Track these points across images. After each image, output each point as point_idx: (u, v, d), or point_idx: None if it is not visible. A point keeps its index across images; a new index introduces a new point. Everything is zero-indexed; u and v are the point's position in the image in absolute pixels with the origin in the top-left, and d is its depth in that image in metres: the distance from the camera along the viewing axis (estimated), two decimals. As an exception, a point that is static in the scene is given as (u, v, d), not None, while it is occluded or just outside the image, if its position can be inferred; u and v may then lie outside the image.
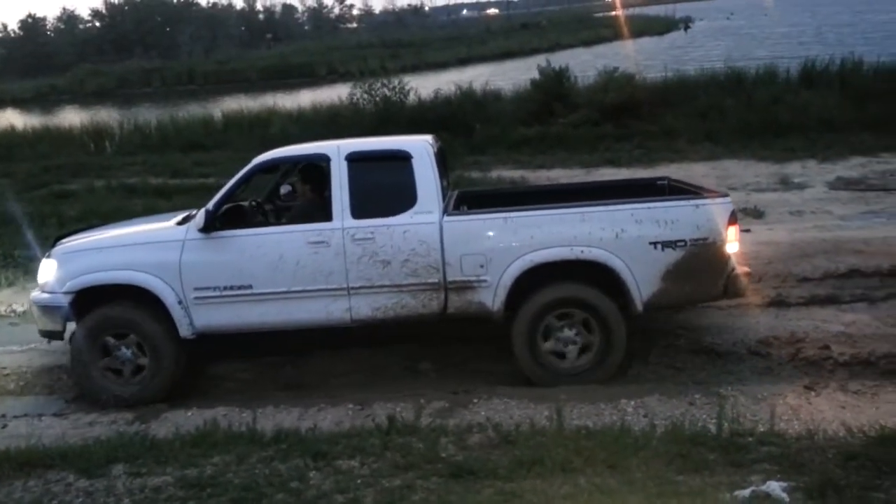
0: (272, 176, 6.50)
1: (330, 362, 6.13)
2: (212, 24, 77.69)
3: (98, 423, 5.25)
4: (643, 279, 5.26)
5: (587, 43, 50.29)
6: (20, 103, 43.57)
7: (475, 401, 5.10)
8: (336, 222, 5.41)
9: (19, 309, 7.69)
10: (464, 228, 5.38)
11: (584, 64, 22.60)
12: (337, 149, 5.61)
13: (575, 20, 71.09)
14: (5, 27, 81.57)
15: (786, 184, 10.68)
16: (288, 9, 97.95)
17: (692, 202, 5.40)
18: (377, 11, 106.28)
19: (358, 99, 17.04)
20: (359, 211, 5.41)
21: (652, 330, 5.98)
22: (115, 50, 68.07)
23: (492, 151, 13.99)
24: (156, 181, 13.56)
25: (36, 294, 5.85)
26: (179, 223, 5.75)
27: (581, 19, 73.11)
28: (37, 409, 5.73)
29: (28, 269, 8.76)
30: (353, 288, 5.39)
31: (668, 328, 6.11)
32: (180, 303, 5.45)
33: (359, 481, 3.89)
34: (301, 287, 5.40)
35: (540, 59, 17.43)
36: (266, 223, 5.89)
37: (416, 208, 5.41)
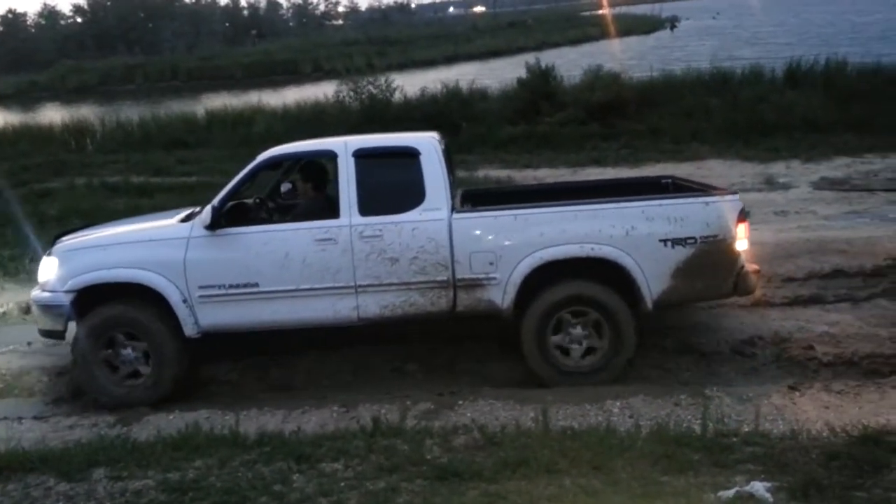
0: (274, 173, 6.41)
1: (316, 363, 6.08)
2: (195, 20, 77.16)
3: (79, 426, 5.19)
4: (653, 277, 5.25)
5: (574, 42, 50.44)
6: (0, 100, 43.07)
7: (461, 402, 5.08)
8: (344, 219, 5.36)
9: (-1, 310, 7.59)
10: (473, 226, 5.35)
11: (571, 63, 22.63)
12: (344, 145, 5.56)
13: (562, 19, 71.27)
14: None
15: (770, 184, 10.75)
16: (272, 5, 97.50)
17: (702, 199, 5.40)
18: (363, 8, 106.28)
19: (344, 97, 16.99)
20: (367, 208, 5.36)
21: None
22: (97, 46, 67.43)
23: (478, 150, 13.99)
24: (138, 179, 13.44)
25: (36, 293, 5.75)
26: (183, 220, 5.69)
27: (568, 18, 73.30)
28: (16, 412, 5.63)
29: (8, 270, 8.66)
30: (360, 286, 5.34)
31: (654, 329, 6.12)
32: (185, 301, 5.39)
33: (342, 484, 3.86)
34: (308, 285, 5.34)
35: (527, 58, 17.45)
36: (270, 220, 5.81)
37: (424, 205, 5.36)
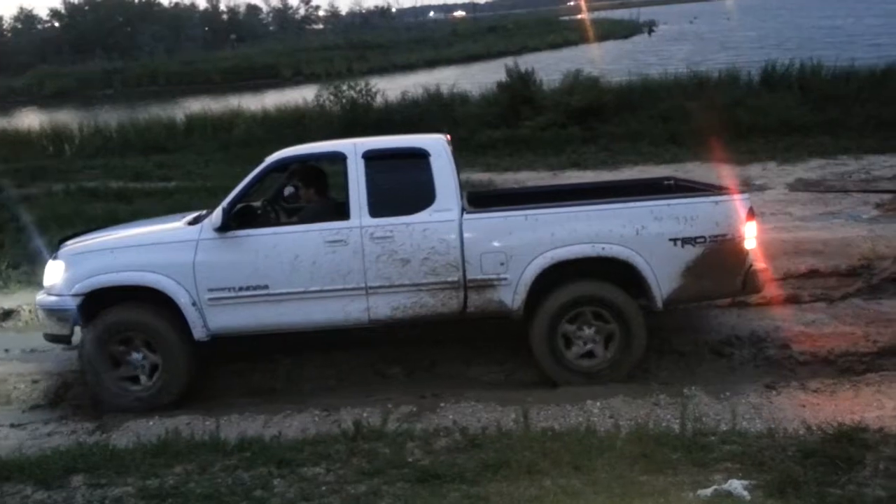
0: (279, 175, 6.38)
1: (297, 367, 6.06)
2: (174, 24, 76.64)
3: (57, 434, 5.14)
4: (663, 276, 5.28)
5: (553, 46, 50.70)
6: (-24, 105, 42.47)
7: (443, 404, 5.10)
8: (354, 221, 5.35)
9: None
10: (483, 226, 5.36)
11: (551, 67, 22.77)
12: (353, 147, 5.56)
13: (541, 23, 71.51)
14: (-40, 27, 79.60)
15: (747, 185, 10.86)
16: (252, 9, 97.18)
17: (711, 199, 5.44)
18: (343, 13, 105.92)
19: (324, 101, 16.96)
20: (377, 209, 5.36)
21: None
22: (74, 51, 66.67)
23: (459, 154, 13.88)
24: (116, 184, 13.32)
25: (42, 297, 5.69)
26: (191, 223, 5.66)
27: (547, 23, 73.58)
28: (-7, 419, 5.57)
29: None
30: (371, 287, 5.33)
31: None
32: (194, 304, 5.36)
33: (324, 488, 3.87)
34: (318, 287, 5.33)
35: (507, 62, 17.53)
36: (279, 223, 5.79)
37: (434, 206, 5.37)
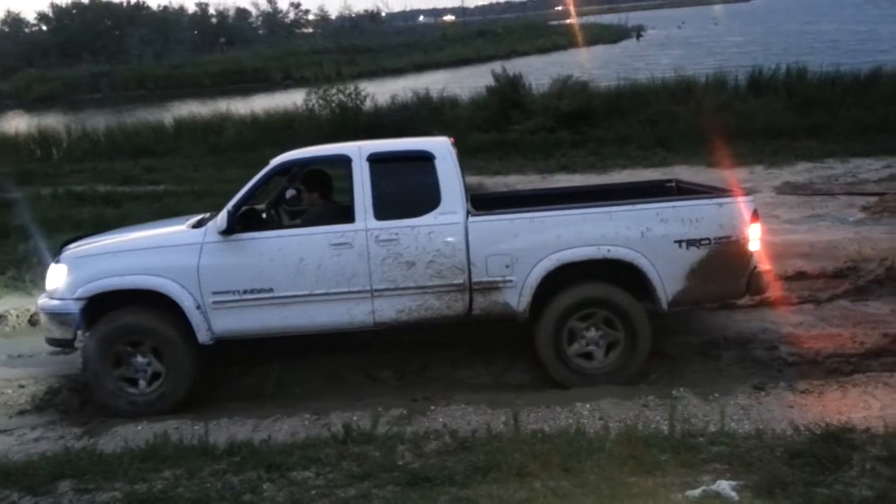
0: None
1: (287, 372, 6.04)
2: (163, 28, 76.24)
3: (44, 439, 5.09)
4: (668, 278, 5.30)
5: (543, 50, 50.87)
6: (-37, 109, 42.15)
7: (433, 407, 5.09)
8: (359, 223, 5.34)
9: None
10: (489, 228, 5.36)
11: (540, 71, 22.84)
12: (358, 150, 5.55)
13: (530, 28, 71.69)
14: (-54, 30, 78.99)
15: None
16: (241, 13, 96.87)
17: (716, 200, 5.45)
18: (333, 17, 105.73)
19: (314, 105, 16.96)
20: (382, 212, 5.36)
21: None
22: (62, 54, 66.24)
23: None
24: (104, 188, 13.27)
25: (44, 301, 5.65)
26: (195, 226, 5.64)
27: (536, 27, 73.79)
28: (-22, 425, 5.52)
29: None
30: (376, 290, 5.32)
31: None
32: (198, 307, 5.33)
33: (313, 492, 3.85)
34: (323, 290, 5.32)
35: (496, 66, 17.59)
36: (283, 226, 5.76)
37: (440, 209, 5.37)
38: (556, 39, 56.74)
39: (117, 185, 13.65)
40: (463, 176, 5.62)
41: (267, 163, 5.74)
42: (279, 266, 5.32)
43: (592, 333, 5.43)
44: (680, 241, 5.29)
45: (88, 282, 5.38)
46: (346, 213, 5.49)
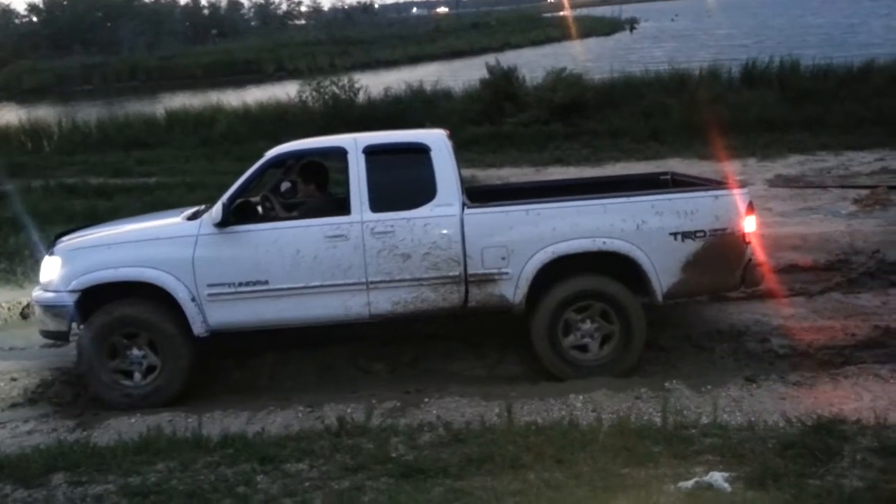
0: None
1: (279, 364, 6.04)
2: (155, 19, 75.78)
3: (37, 432, 5.09)
4: (663, 270, 5.31)
5: (536, 43, 50.77)
6: (-47, 101, 41.80)
7: (426, 400, 5.10)
8: (355, 216, 5.34)
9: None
10: (485, 221, 5.36)
11: (533, 63, 22.81)
12: (354, 141, 5.54)
13: (524, 20, 71.58)
14: (-65, 21, 78.21)
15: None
16: (233, 4, 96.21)
17: (711, 193, 5.47)
18: (326, 8, 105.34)
19: (307, 97, 16.88)
20: (378, 204, 5.35)
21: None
22: (53, 46, 65.74)
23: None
24: (96, 181, 13.20)
25: (38, 293, 5.62)
26: (190, 218, 5.62)
27: (530, 19, 73.69)
28: (-29, 418, 5.50)
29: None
30: (372, 282, 5.32)
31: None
32: (193, 300, 5.31)
33: (307, 484, 3.86)
34: (319, 282, 5.31)
35: (489, 59, 17.56)
36: (278, 218, 5.73)
37: (435, 201, 5.37)
38: (550, 32, 56.65)
39: (109, 177, 13.57)
40: (459, 168, 5.61)
41: (260, 155, 5.72)
42: (274, 258, 5.31)
43: (588, 326, 5.44)
44: (675, 234, 5.30)
45: (83, 274, 5.36)
46: (342, 205, 5.48)
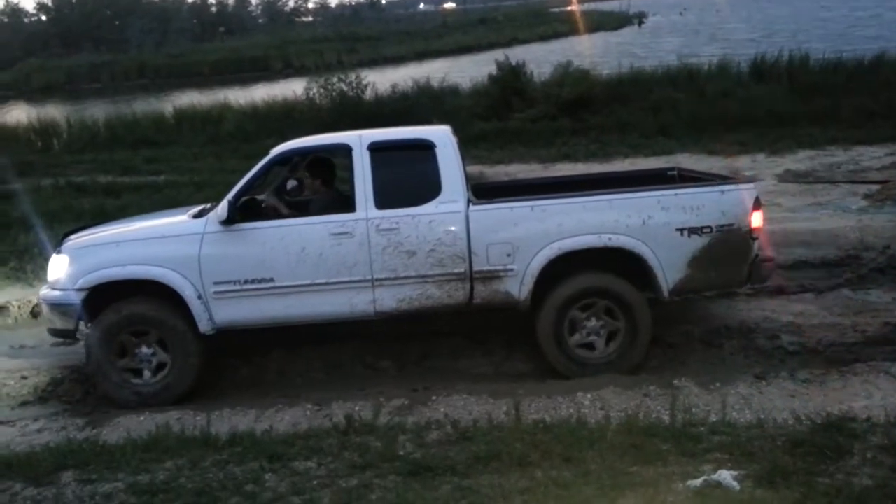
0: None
1: (287, 362, 6.05)
2: (162, 17, 75.89)
3: (47, 430, 5.12)
4: (669, 266, 5.29)
5: (544, 38, 50.58)
6: (-37, 99, 42.02)
7: (434, 398, 5.10)
8: (360, 213, 5.34)
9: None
10: (490, 217, 5.35)
11: (541, 59, 22.75)
12: (359, 138, 5.55)
13: (532, 15, 71.25)
14: (-55, 20, 78.64)
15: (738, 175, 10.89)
16: (241, 2, 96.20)
17: (718, 188, 5.43)
18: (333, 5, 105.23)
19: (314, 94, 16.88)
20: (383, 201, 5.35)
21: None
22: (62, 44, 66.02)
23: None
24: (105, 179, 13.25)
25: (46, 291, 5.65)
26: (196, 216, 5.64)
27: (537, 14, 73.36)
28: (-19, 417, 5.53)
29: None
30: (377, 279, 5.32)
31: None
32: (200, 297, 5.33)
33: (315, 482, 3.86)
34: (324, 279, 5.32)
35: (497, 54, 17.53)
36: (282, 215, 5.73)
37: (441, 198, 5.36)
38: (558, 27, 56.44)
39: (118, 175, 13.63)
40: (464, 164, 5.60)
41: (267, 152, 5.73)
42: (280, 255, 5.32)
43: (593, 323, 5.42)
44: (681, 229, 5.27)
45: (90, 272, 5.38)
46: (347, 202, 5.48)
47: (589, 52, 32.06)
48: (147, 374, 5.49)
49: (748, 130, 13.21)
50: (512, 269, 5.33)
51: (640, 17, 60.13)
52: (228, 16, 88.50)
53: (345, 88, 16.60)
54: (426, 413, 4.85)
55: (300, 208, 5.87)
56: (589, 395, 4.92)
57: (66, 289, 5.45)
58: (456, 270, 5.32)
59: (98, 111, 21.56)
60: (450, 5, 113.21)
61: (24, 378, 6.07)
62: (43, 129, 18.20)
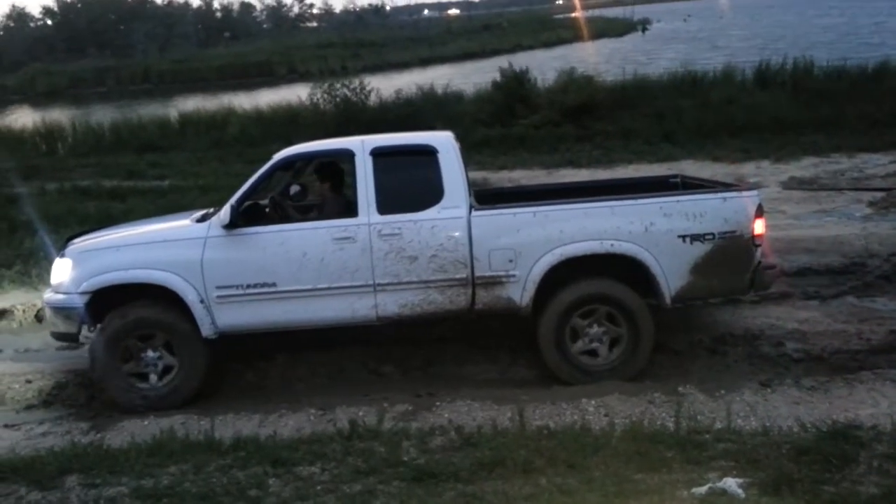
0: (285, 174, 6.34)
1: (291, 367, 6.05)
2: (167, 22, 76.20)
3: (51, 434, 5.11)
4: (672, 273, 5.28)
5: (548, 44, 50.73)
6: (-32, 104, 42.18)
7: (438, 403, 5.09)
8: (362, 218, 5.35)
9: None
10: (492, 223, 5.35)
11: (545, 65, 22.79)
12: (361, 144, 5.56)
13: (535, 22, 71.45)
14: (-48, 25, 79.04)
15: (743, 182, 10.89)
16: (246, 7, 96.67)
17: (720, 195, 5.43)
18: (337, 11, 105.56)
19: (318, 99, 16.93)
20: (385, 206, 5.36)
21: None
22: (67, 49, 66.34)
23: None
24: (110, 183, 13.29)
25: (49, 295, 5.67)
26: (199, 221, 5.65)
27: (541, 21, 73.54)
28: (-14, 420, 5.53)
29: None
30: (379, 285, 5.33)
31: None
32: (202, 302, 5.34)
33: (319, 488, 3.86)
34: (326, 284, 5.32)
35: (501, 61, 17.59)
36: (285, 220, 5.73)
37: (443, 203, 5.37)
38: (561, 33, 56.60)
39: (122, 179, 13.67)
40: (466, 170, 5.61)
41: (271, 157, 5.74)
42: (282, 260, 5.33)
43: (595, 330, 5.42)
44: (683, 236, 5.27)
45: (93, 276, 5.40)
46: (349, 208, 5.49)
47: (593, 58, 32.09)
48: (153, 377, 5.49)
49: (752, 137, 13.22)
50: (514, 275, 5.32)
51: (643, 24, 60.17)
52: (233, 21, 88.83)
53: (348, 94, 16.66)
54: (430, 419, 4.84)
55: (305, 212, 5.88)
56: (593, 402, 4.90)
57: (69, 292, 5.46)
58: (458, 276, 5.33)
59: (103, 116, 21.68)
60: (454, 12, 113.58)
61: (29, 382, 6.08)
62: (48, 134, 18.28)
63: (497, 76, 16.47)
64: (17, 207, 11.22)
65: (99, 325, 5.49)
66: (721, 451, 4.00)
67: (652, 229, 5.26)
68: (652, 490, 3.62)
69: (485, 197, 6.20)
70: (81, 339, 5.70)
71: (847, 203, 9.55)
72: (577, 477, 3.78)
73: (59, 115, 24.04)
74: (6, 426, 5.35)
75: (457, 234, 5.31)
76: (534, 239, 5.29)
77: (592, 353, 5.44)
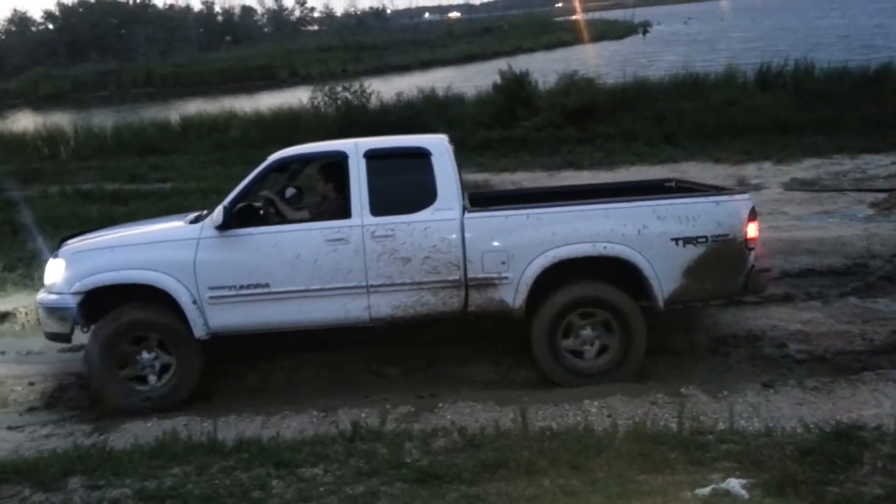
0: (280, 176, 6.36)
1: (293, 369, 6.05)
2: (169, 26, 76.31)
3: (54, 436, 5.13)
4: (665, 276, 5.29)
5: (548, 47, 50.78)
6: (-29, 108, 42.25)
7: (441, 404, 5.10)
8: (355, 219, 5.37)
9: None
10: (485, 225, 5.37)
11: (545, 68, 22.81)
12: (355, 146, 5.58)
13: (536, 24, 71.48)
14: (-47, 29, 79.22)
15: (743, 185, 10.88)
16: (247, 11, 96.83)
17: (714, 199, 5.46)
18: (338, 14, 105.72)
19: (319, 102, 16.95)
20: (378, 208, 5.38)
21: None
22: (69, 53, 66.45)
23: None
24: (112, 186, 13.29)
25: (42, 295, 5.69)
26: (192, 222, 5.67)
27: (542, 23, 73.57)
28: (-11, 422, 5.54)
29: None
30: (372, 286, 5.34)
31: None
32: (195, 302, 5.36)
33: (322, 489, 3.86)
34: (319, 285, 5.34)
35: (501, 63, 17.60)
36: (278, 222, 5.73)
37: (436, 205, 5.39)
38: (562, 36, 56.63)
39: (125, 183, 13.67)
40: (460, 173, 5.62)
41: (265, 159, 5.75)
42: (275, 261, 5.35)
43: (588, 332, 5.42)
44: (677, 239, 5.28)
45: (85, 276, 5.41)
46: (342, 209, 5.50)
47: (593, 60, 32.13)
48: (152, 378, 5.50)
49: (754, 139, 13.21)
50: (507, 277, 5.33)
51: (644, 27, 60.21)
52: (234, 25, 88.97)
53: (349, 97, 16.69)
54: (433, 420, 4.85)
55: (295, 214, 5.87)
56: (596, 403, 4.90)
57: (62, 292, 5.48)
58: (451, 278, 5.34)
59: (104, 119, 21.69)
60: (455, 15, 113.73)
61: (32, 384, 6.09)
62: (50, 137, 18.28)
63: (498, 79, 16.48)
64: (20, 211, 11.23)
65: (93, 327, 5.50)
66: (724, 452, 4.00)
67: (645, 232, 5.27)
68: (655, 491, 3.61)
69: (480, 200, 6.21)
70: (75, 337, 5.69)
71: (849, 204, 9.54)
72: (581, 478, 3.77)
73: (61, 119, 24.07)
74: (9, 428, 5.37)
75: (450, 235, 5.32)
76: (526, 241, 5.30)
77: (583, 355, 5.44)
